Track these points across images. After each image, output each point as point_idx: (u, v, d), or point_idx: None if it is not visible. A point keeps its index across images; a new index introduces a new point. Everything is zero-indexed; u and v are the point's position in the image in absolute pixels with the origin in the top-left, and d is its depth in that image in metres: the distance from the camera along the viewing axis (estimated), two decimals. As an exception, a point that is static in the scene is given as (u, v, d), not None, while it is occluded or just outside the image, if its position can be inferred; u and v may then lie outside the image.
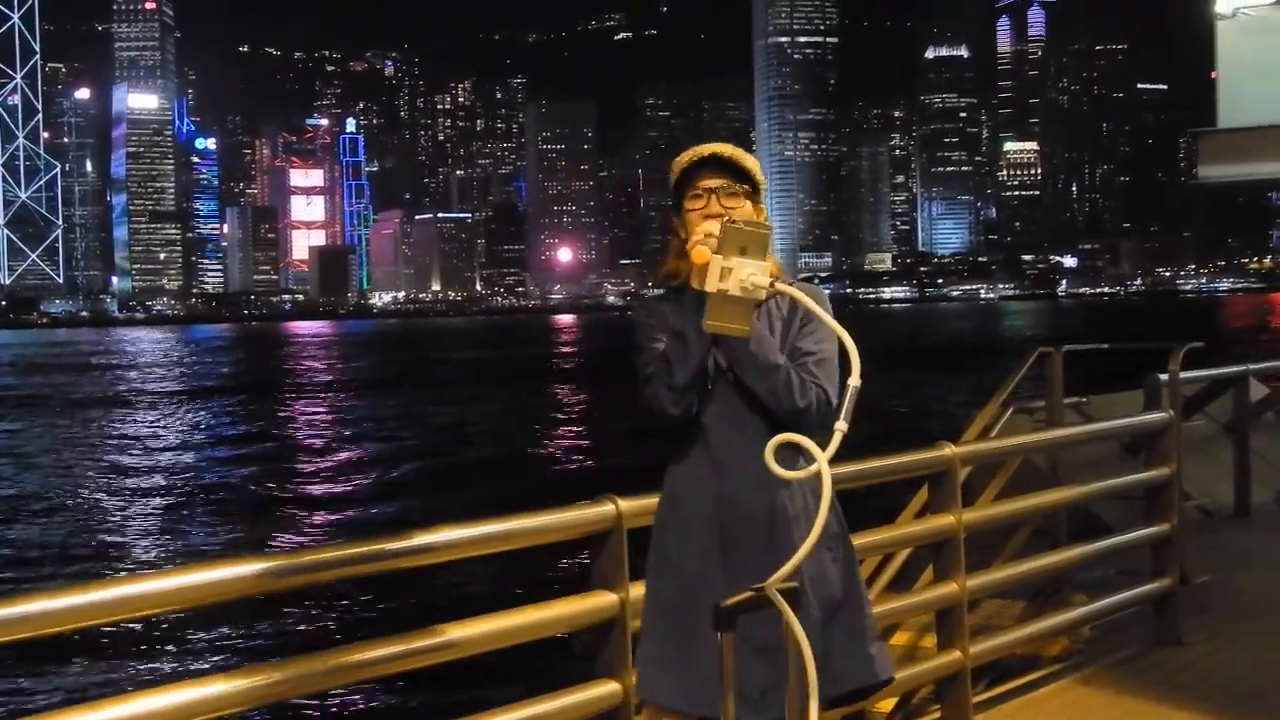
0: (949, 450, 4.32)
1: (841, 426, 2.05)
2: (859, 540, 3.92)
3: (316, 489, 24.57)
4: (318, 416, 40.48)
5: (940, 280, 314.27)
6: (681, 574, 2.60)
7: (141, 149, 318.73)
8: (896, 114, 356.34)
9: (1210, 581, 6.34)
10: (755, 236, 2.21)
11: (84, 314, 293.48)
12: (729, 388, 2.58)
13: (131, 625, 11.82)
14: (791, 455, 2.37)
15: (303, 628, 12.97)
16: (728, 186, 2.62)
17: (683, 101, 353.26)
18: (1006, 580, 4.81)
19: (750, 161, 2.66)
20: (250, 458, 29.55)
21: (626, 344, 2.68)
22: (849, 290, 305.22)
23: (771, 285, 2.21)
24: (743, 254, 2.19)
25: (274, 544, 18.76)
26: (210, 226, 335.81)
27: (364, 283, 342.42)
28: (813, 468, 2.04)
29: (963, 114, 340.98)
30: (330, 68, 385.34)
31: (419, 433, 33.75)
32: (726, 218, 2.35)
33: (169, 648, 12.37)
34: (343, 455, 29.77)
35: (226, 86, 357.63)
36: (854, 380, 2.04)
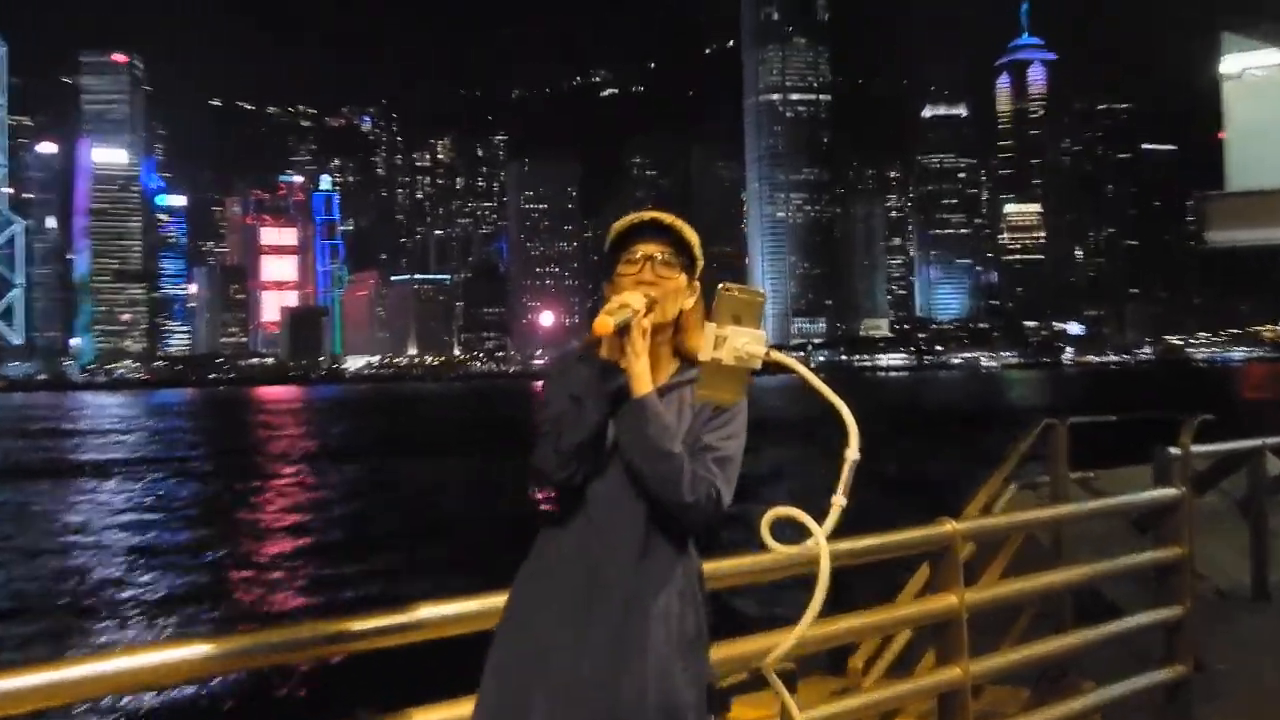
0: (950, 526, 4.32)
1: (840, 501, 2.05)
2: (857, 621, 4.06)
3: (281, 561, 24.29)
4: (285, 485, 40.21)
5: (939, 347, 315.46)
6: (533, 637, 2.58)
7: (107, 205, 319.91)
8: (892, 174, 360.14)
9: (1225, 668, 6.27)
10: (749, 304, 2.20)
11: (42, 377, 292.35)
12: (619, 465, 2.57)
13: (79, 706, 11.59)
14: (667, 548, 2.55)
15: (266, 712, 12.74)
16: (664, 255, 2.64)
17: (670, 160, 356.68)
18: (1012, 664, 4.76)
19: (691, 234, 2.69)
20: (211, 528, 29.24)
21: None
22: (844, 357, 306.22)
23: (767, 355, 2.21)
24: (736, 322, 2.20)
25: (236, 621, 18.52)
26: (177, 286, 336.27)
27: (337, 346, 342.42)
28: (809, 543, 2.03)
29: (961, 174, 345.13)
30: (305, 123, 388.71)
31: (392, 502, 33.51)
32: (722, 285, 2.30)
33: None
34: (311, 526, 29.48)
35: (197, 142, 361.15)
36: (852, 453, 2.05)
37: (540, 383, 2.67)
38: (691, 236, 2.68)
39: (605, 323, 2.41)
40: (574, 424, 2.52)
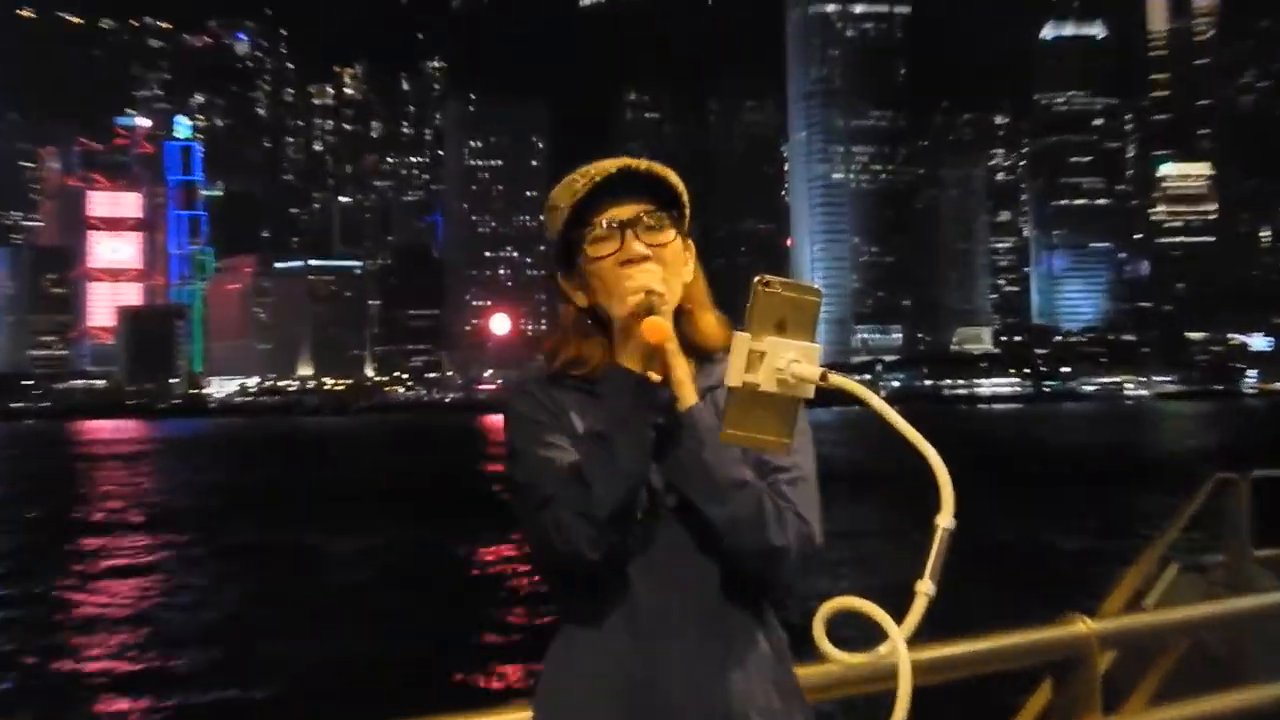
0: (1082, 626, 4.36)
1: (926, 589, 2.07)
2: None
3: (113, 673, 24.25)
4: (116, 562, 40.17)
5: (1065, 368, 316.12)
6: None
7: None
8: (999, 120, 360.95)
9: None
10: (799, 306, 2.23)
11: None
12: (670, 520, 2.60)
13: None
14: (749, 624, 2.61)
15: None
16: (650, 215, 2.70)
17: (680, 99, 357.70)
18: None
19: (675, 177, 2.74)
20: (9, 626, 29.18)
21: (505, 451, 2.68)
22: (928, 382, 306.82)
23: (823, 378, 2.23)
24: (780, 331, 2.22)
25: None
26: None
27: (197, 363, 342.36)
28: (883, 649, 2.05)
29: (1098, 121, 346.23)
30: (155, 43, 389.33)
31: (274, 592, 33.44)
32: (759, 277, 2.27)
33: None
34: (151, 623, 29.43)
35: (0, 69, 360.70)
36: (945, 519, 2.07)
37: (505, 424, 2.72)
38: (676, 180, 2.74)
39: (660, 326, 2.48)
40: (608, 473, 2.51)
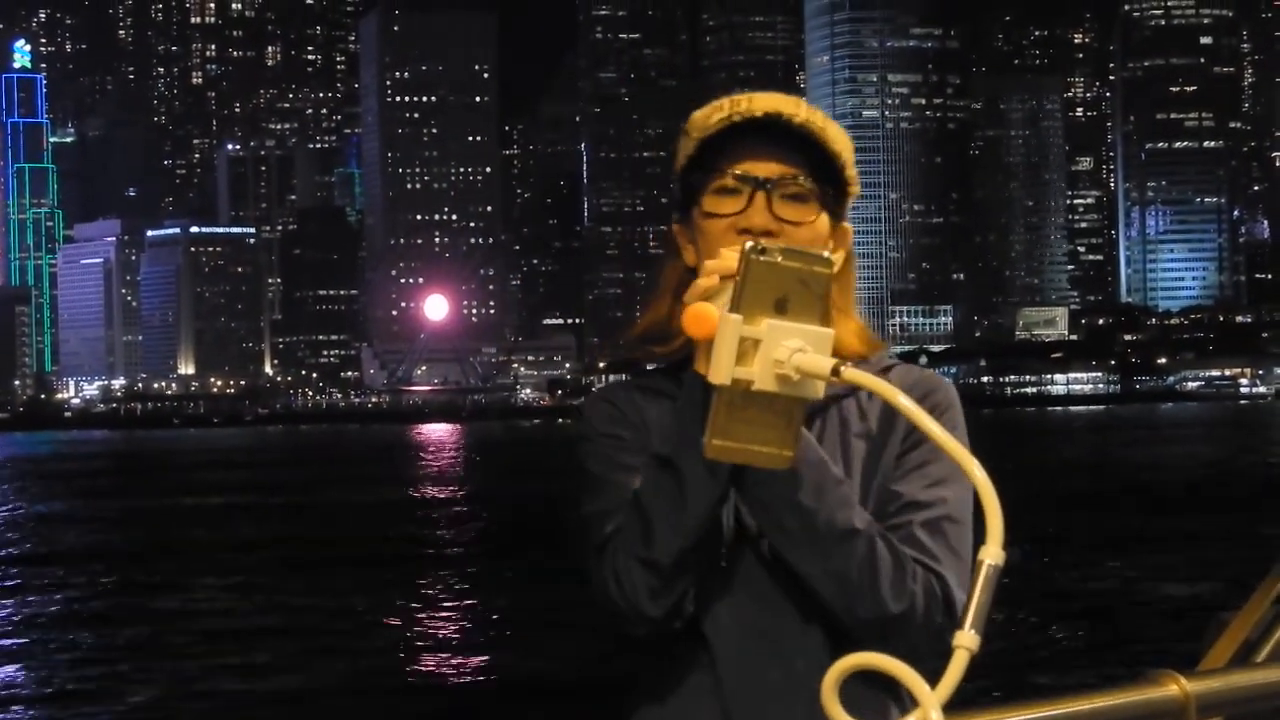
0: (1175, 687, 4.15)
1: (968, 641, 2.08)
2: None
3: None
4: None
5: (1162, 360, 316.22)
6: None
7: None
8: (1078, 38, 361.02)
9: None
10: (806, 278, 2.25)
11: None
12: (758, 569, 2.60)
13: None
14: (873, 695, 2.55)
15: None
16: (794, 180, 2.68)
17: (666, 13, 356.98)
18: None
19: (840, 139, 2.74)
20: None
21: (572, 476, 2.72)
22: (986, 378, 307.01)
23: (836, 373, 2.23)
24: (780, 312, 2.23)
25: None
26: None
27: (46, 361, 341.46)
28: (911, 718, 2.06)
29: (1205, 39, 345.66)
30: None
31: (142, 650, 33.29)
32: (750, 243, 2.27)
33: None
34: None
35: None
36: (992, 553, 2.09)
37: (584, 448, 2.71)
38: (841, 142, 2.74)
39: (706, 313, 2.37)
40: (672, 508, 2.49)
